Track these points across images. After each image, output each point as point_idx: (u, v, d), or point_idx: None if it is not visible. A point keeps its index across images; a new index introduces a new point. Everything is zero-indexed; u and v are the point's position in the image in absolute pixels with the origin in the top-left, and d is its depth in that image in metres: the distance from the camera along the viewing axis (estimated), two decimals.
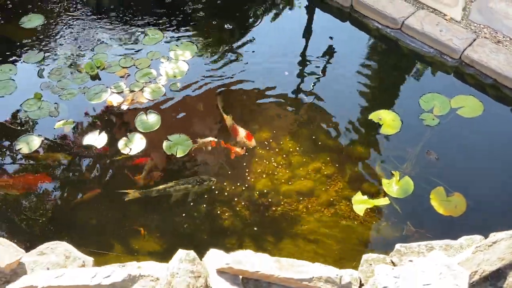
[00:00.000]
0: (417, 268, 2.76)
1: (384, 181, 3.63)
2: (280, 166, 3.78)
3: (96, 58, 4.64)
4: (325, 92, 4.40)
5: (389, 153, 3.90)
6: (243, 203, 3.58)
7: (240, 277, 2.76)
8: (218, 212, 3.55)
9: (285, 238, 3.36)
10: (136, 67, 4.59)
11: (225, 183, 3.71)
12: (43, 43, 4.81)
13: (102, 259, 3.12)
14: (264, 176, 3.73)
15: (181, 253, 2.84)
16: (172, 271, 2.72)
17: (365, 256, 2.98)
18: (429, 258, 2.86)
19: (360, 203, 3.42)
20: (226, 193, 3.65)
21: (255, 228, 3.42)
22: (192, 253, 2.84)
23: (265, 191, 3.66)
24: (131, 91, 4.37)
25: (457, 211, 3.47)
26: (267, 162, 3.82)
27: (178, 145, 3.95)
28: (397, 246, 2.98)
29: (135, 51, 4.75)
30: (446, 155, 3.87)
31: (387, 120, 4.12)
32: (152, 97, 4.34)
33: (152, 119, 4.15)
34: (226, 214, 3.51)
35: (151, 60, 4.67)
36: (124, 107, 4.25)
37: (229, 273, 2.73)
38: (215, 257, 2.84)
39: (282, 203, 3.56)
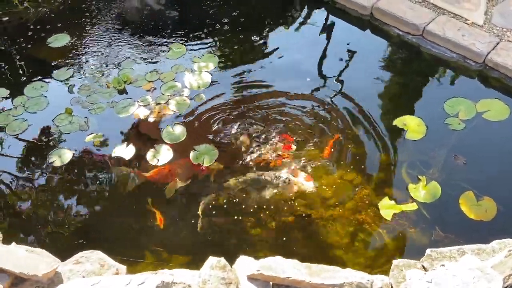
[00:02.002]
0: (450, 273, 2.74)
1: (411, 186, 3.61)
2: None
3: (122, 73, 4.79)
4: (348, 100, 4.43)
5: (414, 158, 3.88)
6: (267, 212, 3.62)
7: (271, 283, 2.79)
8: (244, 219, 3.59)
9: (313, 245, 3.37)
10: (161, 81, 4.73)
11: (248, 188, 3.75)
12: (72, 61, 5.00)
13: (134, 267, 3.19)
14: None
15: (212, 260, 2.90)
16: (204, 278, 2.77)
17: (395, 262, 2.97)
18: (461, 263, 2.83)
19: (387, 208, 3.41)
20: (250, 198, 3.68)
21: (283, 237, 3.44)
22: (222, 260, 2.89)
23: (291, 196, 3.69)
24: (157, 104, 4.50)
25: (487, 215, 3.42)
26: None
27: (205, 155, 4.03)
28: (428, 251, 2.96)
29: (160, 65, 4.90)
30: (473, 159, 3.83)
31: (412, 125, 4.11)
32: (177, 109, 4.45)
33: (178, 131, 4.25)
34: (252, 221, 3.55)
35: (176, 73, 4.80)
36: (151, 119, 4.37)
37: (259, 280, 2.77)
38: (245, 264, 2.88)
39: (308, 209, 3.58)
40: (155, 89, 4.66)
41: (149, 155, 4.06)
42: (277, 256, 2.83)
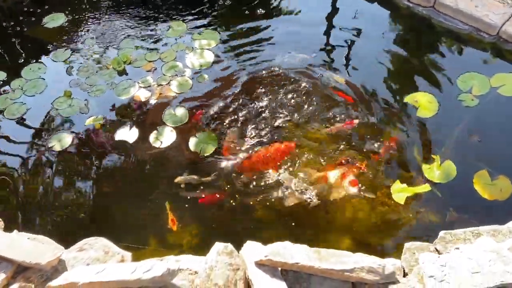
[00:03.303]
0: (464, 255, 2.66)
1: (425, 166, 3.50)
2: (310, 154, 3.71)
3: (122, 53, 4.66)
4: (357, 77, 4.29)
5: (427, 137, 3.76)
6: (275, 195, 3.54)
7: (279, 269, 2.73)
8: (252, 203, 3.52)
9: (323, 229, 3.30)
10: (162, 61, 4.59)
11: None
12: (69, 41, 4.87)
13: (139, 253, 3.14)
14: (293, 164, 3.66)
15: (218, 246, 2.84)
16: (211, 264, 2.72)
17: (407, 245, 2.89)
18: (476, 245, 2.75)
19: (400, 192, 3.31)
20: (254, 183, 3.60)
21: (292, 222, 3.37)
22: (229, 246, 2.82)
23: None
24: (159, 85, 4.38)
25: (503, 194, 3.32)
26: (297, 150, 3.76)
27: (204, 144, 3.90)
28: (441, 233, 2.88)
29: (160, 44, 4.75)
30: (488, 136, 3.71)
31: (424, 102, 3.97)
32: (179, 90, 4.33)
33: (180, 113, 4.15)
34: (260, 205, 3.48)
35: (176, 52, 4.66)
36: (153, 101, 4.26)
37: (268, 265, 2.71)
38: (253, 249, 2.81)
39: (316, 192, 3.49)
40: (156, 69, 4.53)
41: (152, 137, 3.97)
42: (286, 241, 2.77)
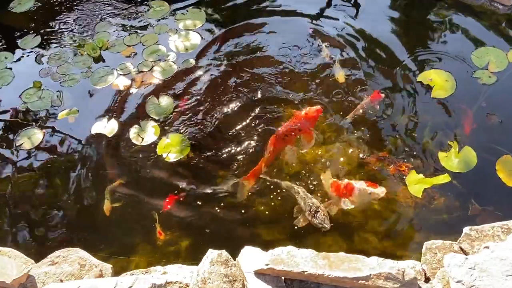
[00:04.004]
0: (496, 255, 2.38)
1: (441, 154, 3.20)
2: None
3: (97, 38, 4.30)
4: (363, 55, 3.97)
5: (443, 119, 3.46)
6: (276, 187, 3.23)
7: (283, 278, 2.43)
8: (250, 201, 3.21)
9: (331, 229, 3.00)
10: (143, 45, 4.24)
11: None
12: (39, 26, 4.49)
13: (122, 265, 2.83)
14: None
15: (212, 254, 2.53)
16: (203, 276, 2.41)
17: (427, 244, 2.61)
18: (509, 242, 2.47)
19: (416, 183, 3.00)
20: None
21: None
22: (224, 253, 2.52)
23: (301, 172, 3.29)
24: (140, 72, 4.03)
25: None
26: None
27: (172, 147, 3.50)
28: (466, 229, 2.61)
29: (140, 27, 4.39)
30: (509, 117, 3.42)
31: (439, 81, 3.67)
32: (163, 76, 3.99)
33: (165, 102, 3.80)
34: (260, 202, 3.17)
35: (159, 34, 4.30)
36: (133, 90, 3.91)
37: (269, 275, 2.41)
38: (251, 256, 2.51)
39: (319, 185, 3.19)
40: (136, 54, 4.18)
41: (132, 132, 3.63)
42: (289, 246, 2.47)
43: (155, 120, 3.69)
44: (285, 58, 3.99)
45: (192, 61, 4.09)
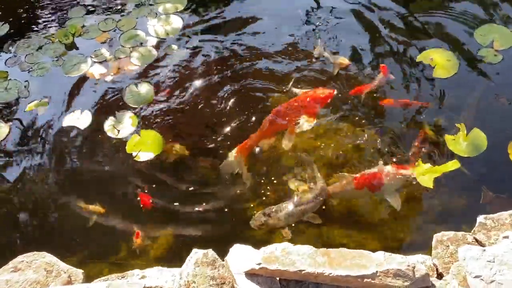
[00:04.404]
0: None
1: (448, 137, 2.97)
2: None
3: (70, 23, 4.00)
4: (358, 33, 3.74)
5: (447, 101, 3.24)
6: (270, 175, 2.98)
7: (278, 279, 2.18)
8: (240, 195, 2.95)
9: (330, 222, 2.75)
10: (120, 30, 3.95)
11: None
12: (4, 12, 4.18)
13: (95, 269, 2.55)
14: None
15: (196, 254, 2.27)
16: (187, 280, 2.15)
17: (437, 236, 2.38)
18: None
19: (425, 173, 2.75)
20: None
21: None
22: (211, 253, 2.26)
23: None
24: (116, 59, 3.74)
25: None
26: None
27: (143, 145, 3.20)
28: (481, 218, 2.38)
29: (117, 11, 4.10)
30: None
31: (440, 60, 3.45)
32: (142, 63, 3.71)
33: (145, 90, 3.53)
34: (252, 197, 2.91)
35: (137, 19, 4.02)
36: (109, 78, 3.63)
37: (262, 275, 2.15)
38: (242, 255, 2.25)
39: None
40: (112, 40, 3.89)
41: (107, 125, 3.35)
42: (284, 243, 2.21)
43: (133, 111, 3.41)
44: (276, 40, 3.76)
45: (174, 46, 3.82)
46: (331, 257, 2.14)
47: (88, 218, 2.88)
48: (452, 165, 2.73)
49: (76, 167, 3.18)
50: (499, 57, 3.45)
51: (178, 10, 4.05)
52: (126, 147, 3.20)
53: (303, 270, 2.07)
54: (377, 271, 2.06)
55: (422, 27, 3.74)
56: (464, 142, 2.91)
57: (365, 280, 2.06)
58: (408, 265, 2.10)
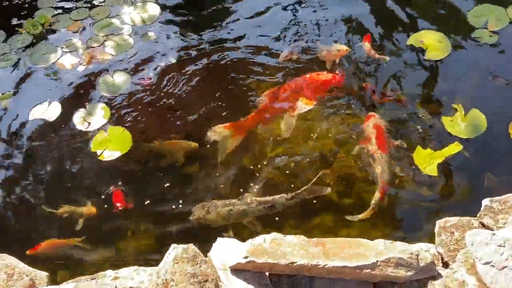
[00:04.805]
0: None
1: (445, 118, 2.81)
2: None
3: (39, 14, 3.77)
4: (345, 17, 3.58)
5: (441, 83, 3.09)
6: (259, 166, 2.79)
7: (267, 274, 1.97)
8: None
9: (321, 213, 2.56)
10: (93, 19, 3.73)
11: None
12: None
13: (63, 270, 2.32)
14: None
15: (175, 250, 2.05)
16: (165, 278, 1.93)
17: (440, 222, 2.20)
18: None
19: (427, 159, 2.57)
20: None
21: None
22: (191, 248, 2.05)
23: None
24: (89, 48, 3.52)
25: None
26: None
27: (109, 142, 2.97)
28: (486, 201, 2.21)
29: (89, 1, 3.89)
30: None
31: (432, 42, 3.31)
32: (117, 52, 3.50)
33: (120, 80, 3.31)
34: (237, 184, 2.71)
35: (111, 7, 3.81)
36: (81, 68, 3.41)
37: (250, 270, 1.94)
38: (226, 249, 2.05)
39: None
40: (85, 29, 3.67)
41: (77, 117, 3.13)
42: (273, 233, 2.01)
43: (106, 101, 3.19)
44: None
45: (151, 34, 3.61)
46: (326, 247, 1.94)
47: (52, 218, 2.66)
48: (454, 147, 2.56)
49: (42, 164, 2.94)
50: (494, 37, 3.31)
51: None
52: (91, 145, 2.97)
53: (295, 263, 1.87)
54: (377, 261, 1.88)
55: (412, 10, 3.61)
56: (462, 123, 2.75)
57: (364, 271, 1.86)
58: (411, 253, 1.92)
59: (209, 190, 2.74)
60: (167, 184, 2.77)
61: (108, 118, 3.10)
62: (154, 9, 3.78)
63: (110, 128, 3.05)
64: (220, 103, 3.13)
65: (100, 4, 3.82)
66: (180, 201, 2.70)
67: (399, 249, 1.93)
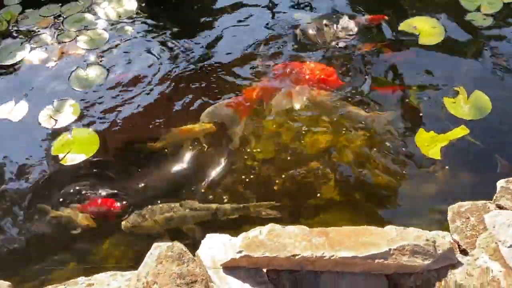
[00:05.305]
0: None
1: (447, 100, 2.64)
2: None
3: (5, 11, 3.53)
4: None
5: (437, 67, 2.93)
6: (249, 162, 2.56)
7: (265, 270, 1.73)
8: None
9: (322, 206, 2.34)
10: (64, 15, 3.50)
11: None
12: None
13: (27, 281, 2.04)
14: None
15: (158, 249, 1.80)
16: (146, 281, 1.67)
17: (453, 208, 2.00)
18: None
19: (430, 142, 2.39)
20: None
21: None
22: (177, 245, 1.80)
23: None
24: (60, 43, 3.29)
25: None
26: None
27: (74, 145, 2.70)
28: (502, 183, 2.04)
29: None
30: None
31: (425, 28, 3.20)
32: (91, 46, 3.28)
33: (94, 73, 3.07)
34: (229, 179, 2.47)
35: (83, 2, 3.59)
36: (51, 64, 3.16)
37: (244, 267, 1.70)
38: (217, 246, 1.81)
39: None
40: (55, 24, 3.44)
41: (43, 115, 2.86)
42: (269, 224, 1.78)
43: (77, 98, 2.94)
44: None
45: (128, 28, 3.40)
46: (330, 237, 1.72)
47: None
48: (460, 131, 2.39)
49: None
50: (489, 20, 3.21)
51: None
52: (52, 148, 2.70)
53: (298, 255, 1.64)
54: (390, 249, 1.66)
55: None
56: (465, 105, 2.59)
57: (377, 261, 1.64)
58: (427, 240, 1.71)
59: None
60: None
61: (77, 115, 2.84)
62: (131, 4, 3.57)
63: (74, 129, 2.78)
64: (194, 102, 2.90)
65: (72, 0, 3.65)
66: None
67: (413, 235, 1.72)
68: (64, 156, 2.65)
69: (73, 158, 2.64)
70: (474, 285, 1.64)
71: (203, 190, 2.44)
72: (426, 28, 3.18)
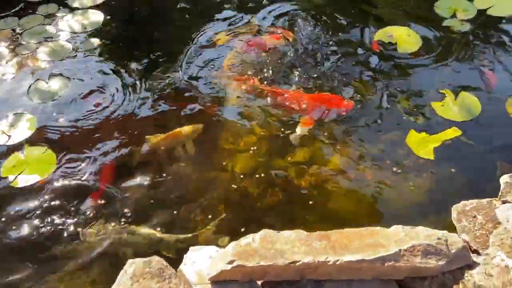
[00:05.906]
0: None
1: (435, 104, 2.56)
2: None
3: None
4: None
5: (420, 75, 2.86)
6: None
7: (259, 282, 1.52)
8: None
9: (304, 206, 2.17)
10: (20, 28, 3.29)
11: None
12: None
13: None
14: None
15: (133, 266, 1.56)
16: None
17: (457, 207, 1.87)
18: None
19: (422, 143, 2.30)
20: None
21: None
22: (156, 260, 1.56)
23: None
24: (18, 55, 3.05)
25: None
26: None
27: (28, 165, 2.44)
28: (506, 178, 1.95)
29: (18, 9, 3.44)
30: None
31: (401, 36, 3.16)
32: (53, 58, 3.07)
33: (56, 85, 2.85)
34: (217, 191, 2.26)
35: (43, 15, 3.38)
36: (9, 76, 2.92)
37: (237, 280, 1.49)
38: (203, 259, 1.59)
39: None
40: (12, 37, 3.21)
41: None
42: (263, 230, 1.58)
43: (34, 111, 2.70)
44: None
45: (94, 40, 3.21)
46: (332, 240, 1.54)
47: None
48: (452, 132, 2.31)
49: None
50: (466, 25, 3.21)
51: (98, 2, 3.46)
52: (1, 170, 2.43)
53: (298, 262, 1.45)
54: (400, 250, 1.50)
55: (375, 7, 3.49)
56: (454, 106, 2.51)
57: (387, 264, 1.47)
58: (439, 238, 1.56)
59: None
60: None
61: (34, 130, 2.60)
62: (96, 16, 3.39)
63: (27, 148, 2.51)
64: (160, 114, 2.71)
65: (31, 13, 3.44)
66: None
67: (423, 234, 1.56)
68: (15, 179, 2.37)
69: (25, 179, 2.37)
70: (495, 285, 1.49)
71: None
72: (402, 36, 3.13)
